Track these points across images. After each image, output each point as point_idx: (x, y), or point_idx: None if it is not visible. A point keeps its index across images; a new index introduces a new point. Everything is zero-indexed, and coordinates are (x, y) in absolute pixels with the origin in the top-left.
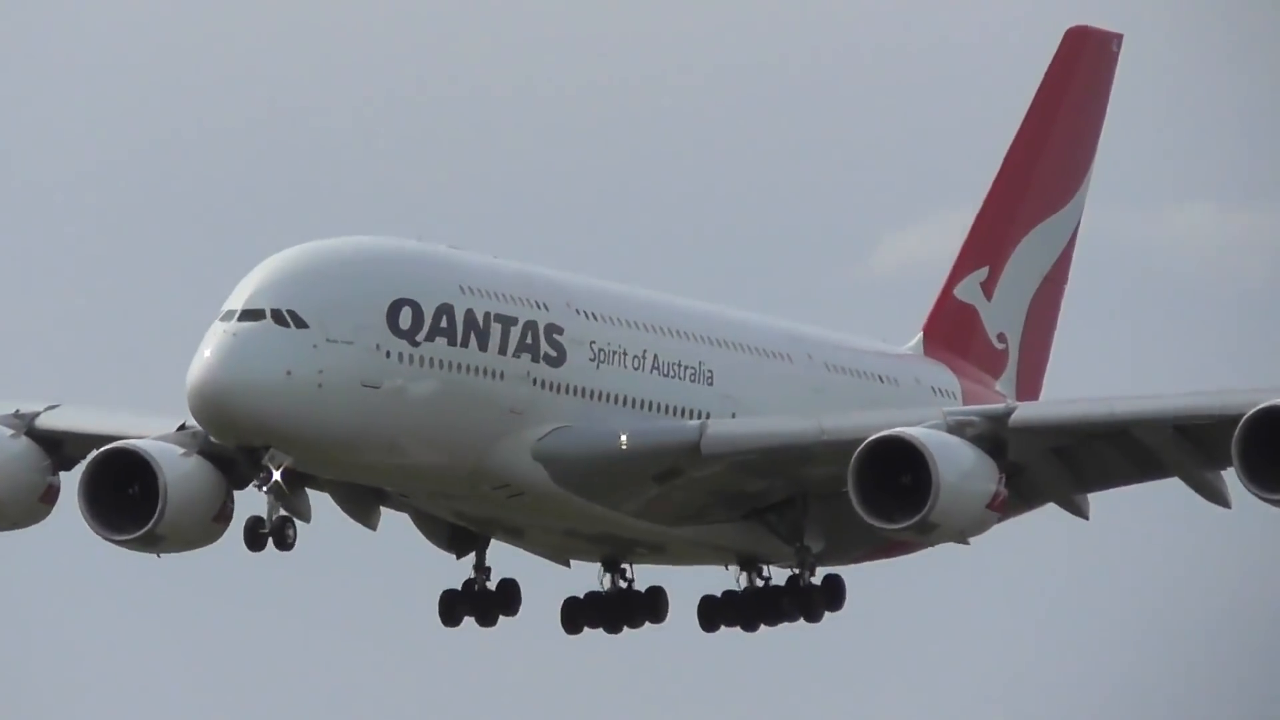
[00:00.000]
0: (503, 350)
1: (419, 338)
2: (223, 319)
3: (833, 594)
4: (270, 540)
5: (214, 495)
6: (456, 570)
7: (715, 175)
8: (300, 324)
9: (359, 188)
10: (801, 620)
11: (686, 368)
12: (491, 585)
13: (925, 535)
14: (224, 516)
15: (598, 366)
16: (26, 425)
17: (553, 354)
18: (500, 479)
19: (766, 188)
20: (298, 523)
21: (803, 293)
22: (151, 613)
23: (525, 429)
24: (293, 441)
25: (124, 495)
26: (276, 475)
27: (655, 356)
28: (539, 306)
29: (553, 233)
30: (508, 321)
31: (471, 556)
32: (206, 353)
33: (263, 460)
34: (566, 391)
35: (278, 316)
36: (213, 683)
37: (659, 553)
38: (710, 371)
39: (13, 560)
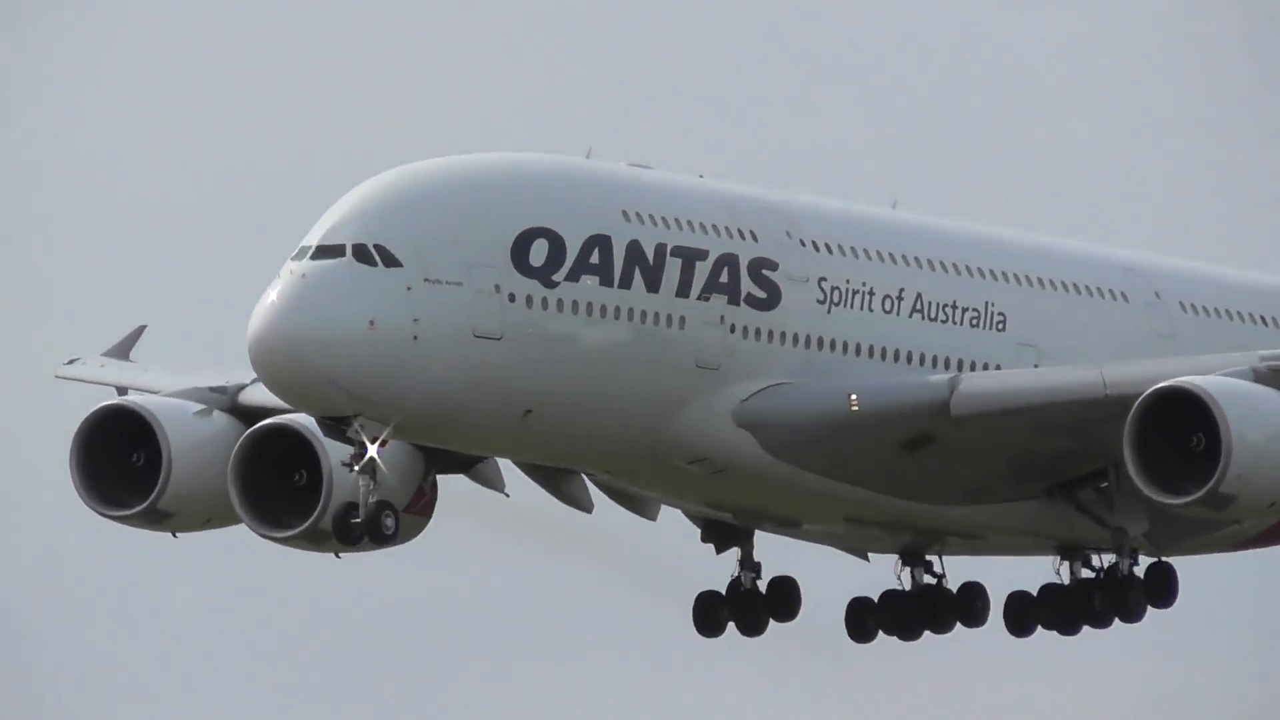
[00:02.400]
0: (684, 291)
1: (556, 276)
2: (295, 257)
3: (1158, 585)
4: (364, 532)
5: (408, 480)
6: (716, 567)
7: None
8: (390, 261)
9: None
10: (1117, 620)
11: (966, 309)
12: (762, 585)
13: (1222, 511)
14: (417, 502)
15: (829, 309)
16: (230, 400)
17: (760, 295)
18: (693, 451)
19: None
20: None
21: (1154, 213)
22: (345, 615)
23: (723, 387)
24: (382, 407)
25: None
26: (372, 450)
27: (918, 295)
28: (742, 236)
29: (786, 147)
30: (692, 255)
31: (735, 550)
32: (271, 297)
33: (349, 433)
34: (781, 340)
35: (361, 253)
36: (415, 697)
37: (968, 541)
38: (1002, 314)
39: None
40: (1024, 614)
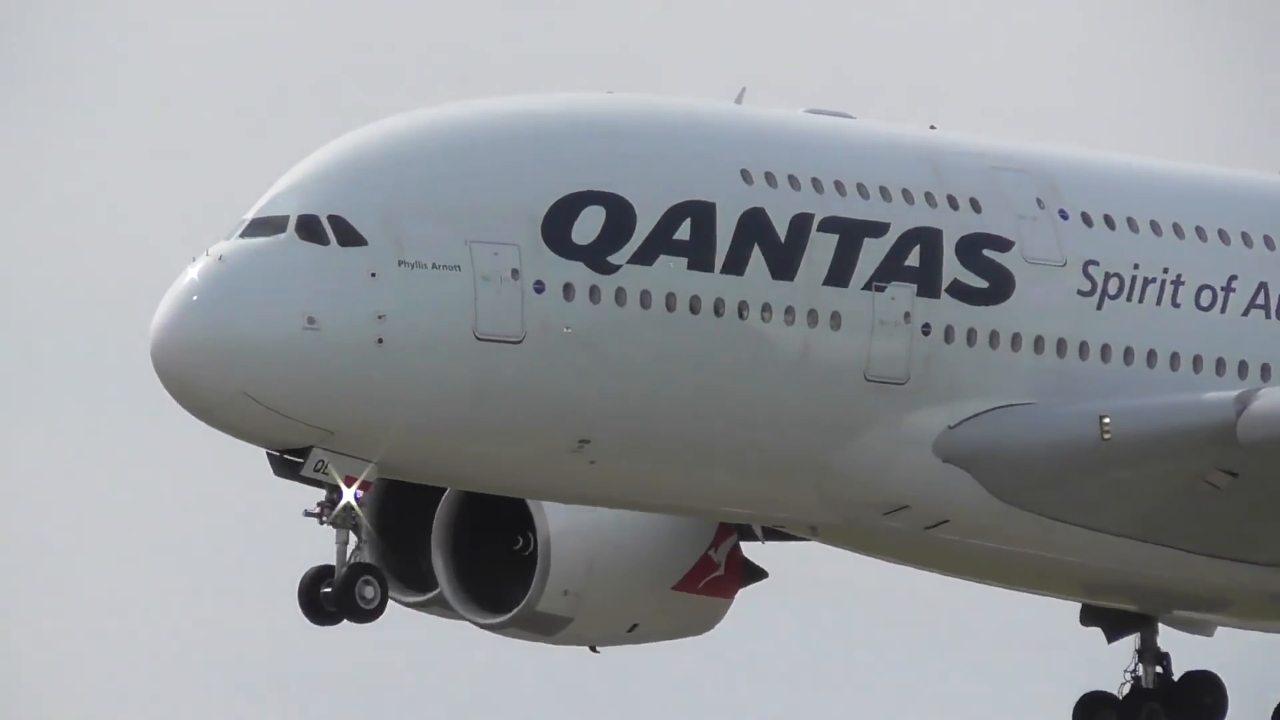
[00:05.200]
0: (839, 278)
1: (615, 257)
2: (229, 236)
3: None
4: (336, 604)
5: (675, 546)
6: (1106, 659)
7: None
8: (349, 238)
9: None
10: None
11: None
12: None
13: None
14: (698, 578)
15: (1099, 303)
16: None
17: (976, 284)
18: (881, 496)
19: None
20: None
21: None
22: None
23: (916, 409)
24: (343, 436)
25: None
26: (347, 495)
27: (1261, 287)
28: (953, 205)
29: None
30: (858, 231)
31: (1133, 637)
32: (178, 286)
33: (305, 470)
34: (1013, 345)
35: (308, 226)
36: None
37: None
38: None
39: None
40: None
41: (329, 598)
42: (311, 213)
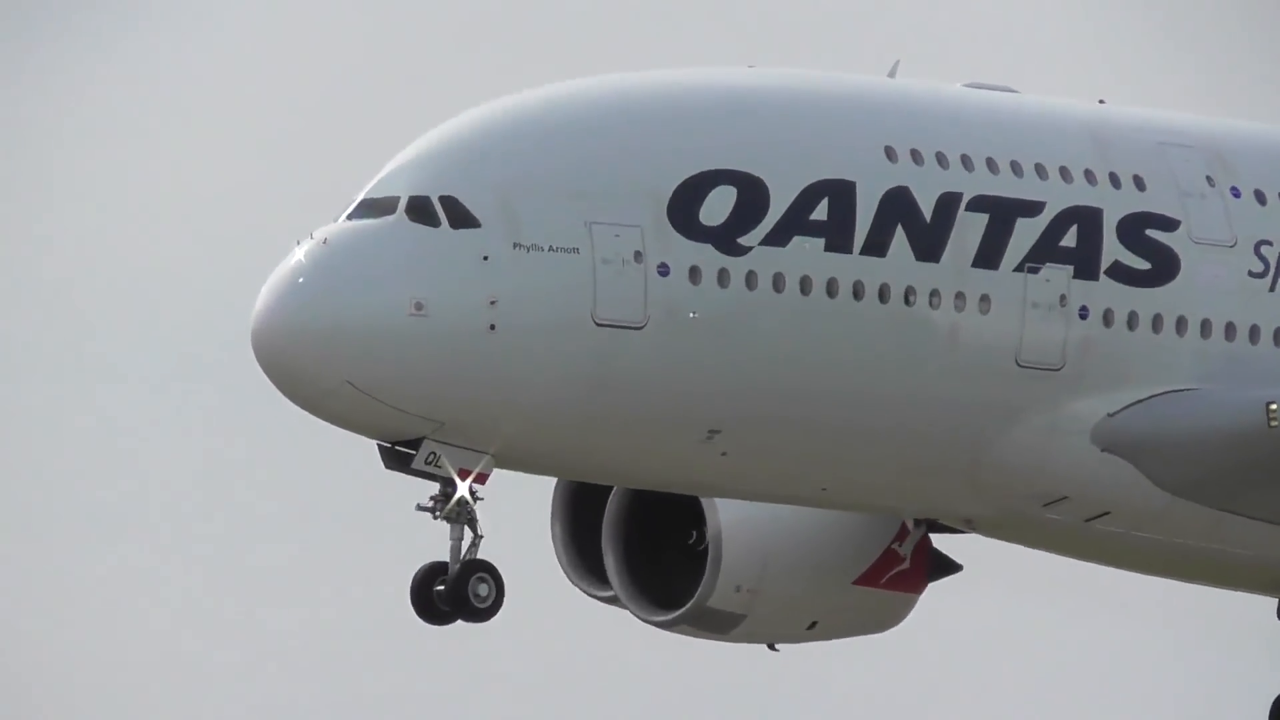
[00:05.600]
0: (989, 259)
1: (747, 239)
2: (338, 218)
3: None
4: (450, 603)
5: (857, 538)
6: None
7: None
8: (461, 219)
9: None
10: None
11: None
12: None
13: None
14: (882, 572)
15: (1273, 284)
16: None
17: (1138, 265)
18: (1037, 487)
19: None
20: None
21: None
22: None
23: (1073, 397)
24: (458, 426)
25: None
26: (462, 488)
27: None
28: (1115, 184)
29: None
30: (1010, 210)
31: None
32: (283, 270)
33: (416, 463)
34: (1178, 329)
35: (419, 208)
36: None
37: None
38: None
39: None
40: None
41: (442, 596)
42: (423, 193)
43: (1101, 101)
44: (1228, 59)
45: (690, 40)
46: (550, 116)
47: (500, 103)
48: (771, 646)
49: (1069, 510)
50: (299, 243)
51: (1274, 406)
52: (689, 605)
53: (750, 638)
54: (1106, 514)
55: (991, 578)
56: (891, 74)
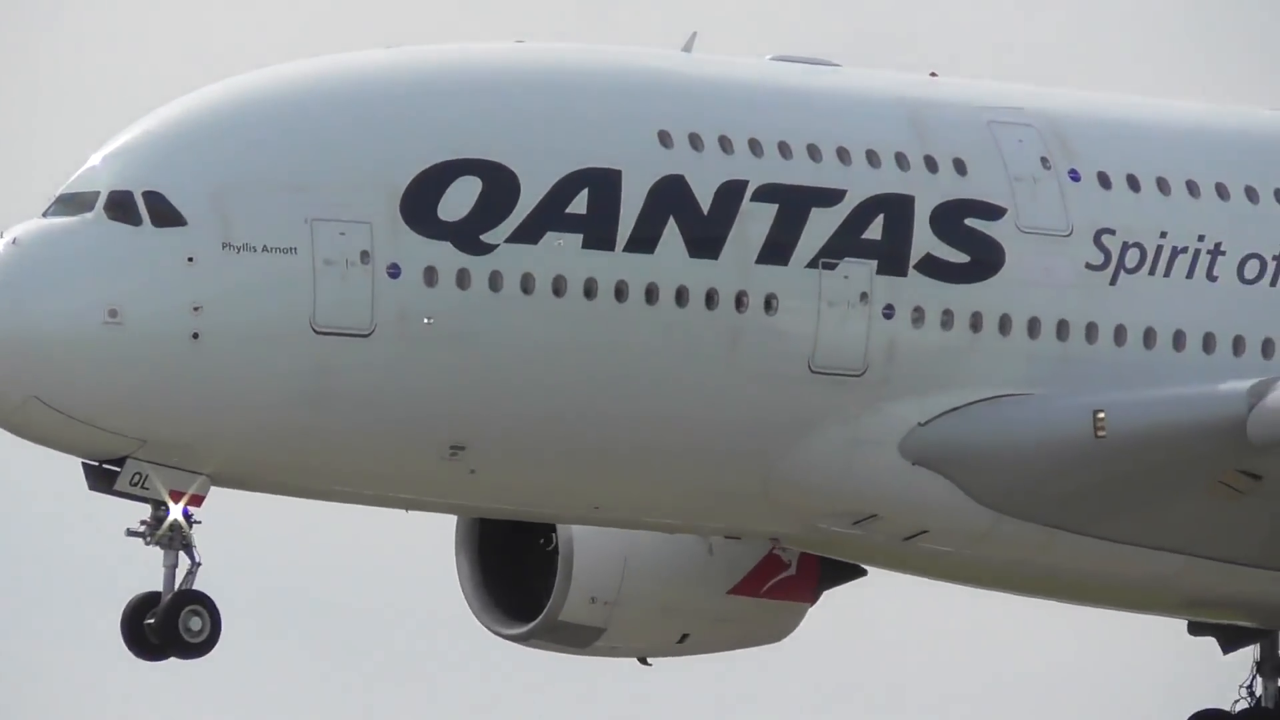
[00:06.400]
0: (776, 254)
1: (491, 235)
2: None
3: None
4: (161, 637)
5: (730, 543)
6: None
7: None
8: (166, 217)
9: None
10: None
11: None
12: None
13: None
14: (762, 580)
15: (1113, 278)
16: None
17: (954, 258)
18: (845, 506)
19: None
20: None
21: None
22: None
23: (878, 404)
24: (164, 445)
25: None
26: (175, 511)
27: None
28: (932, 167)
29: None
30: (804, 199)
31: (1249, 652)
32: None
33: (119, 483)
34: (1001, 328)
35: (119, 204)
36: None
37: None
38: None
39: None
40: None
41: (153, 629)
42: (125, 188)
43: (933, 75)
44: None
45: (482, 13)
46: (275, 101)
47: (221, 86)
48: (643, 660)
49: (881, 529)
50: None
51: (1101, 415)
52: (539, 619)
53: (613, 652)
54: (924, 533)
55: (897, 583)
56: (687, 48)
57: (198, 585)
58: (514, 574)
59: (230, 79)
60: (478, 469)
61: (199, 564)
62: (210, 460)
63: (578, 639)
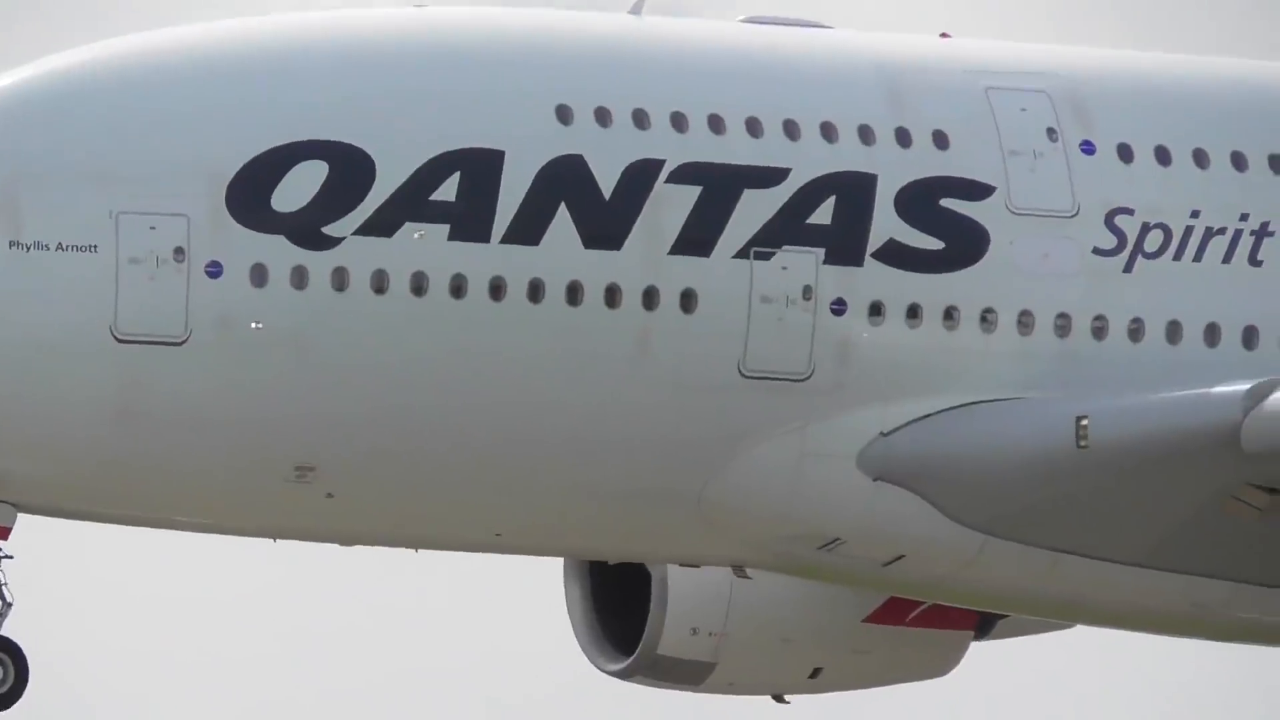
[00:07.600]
0: (695, 245)
1: (335, 227)
2: None
3: None
4: None
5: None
6: None
7: None
8: None
9: None
10: None
11: None
12: None
13: None
14: (906, 608)
15: (1128, 264)
16: None
17: (922, 245)
18: (801, 530)
19: None
20: None
21: None
22: None
23: (830, 414)
24: None
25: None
26: None
27: None
28: (903, 142)
29: None
30: (734, 181)
31: None
32: None
33: None
34: (983, 324)
35: None
36: None
37: None
38: None
39: None
40: None
41: None
42: None
43: (945, 35)
44: None
45: None
46: (88, 78)
47: (22, 69)
48: (778, 698)
49: (851, 553)
50: None
51: (1085, 422)
52: (635, 654)
53: (734, 689)
54: (902, 557)
55: None
56: (635, 10)
57: (6, 631)
58: (627, 603)
59: (50, 55)
60: (336, 493)
61: (10, 604)
62: (10, 487)
63: (686, 675)
